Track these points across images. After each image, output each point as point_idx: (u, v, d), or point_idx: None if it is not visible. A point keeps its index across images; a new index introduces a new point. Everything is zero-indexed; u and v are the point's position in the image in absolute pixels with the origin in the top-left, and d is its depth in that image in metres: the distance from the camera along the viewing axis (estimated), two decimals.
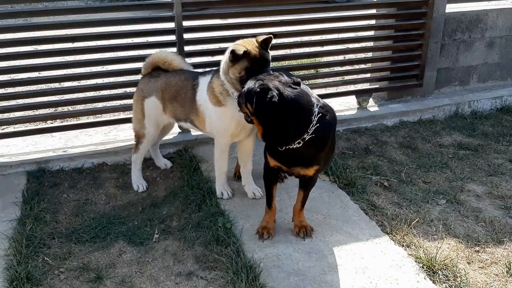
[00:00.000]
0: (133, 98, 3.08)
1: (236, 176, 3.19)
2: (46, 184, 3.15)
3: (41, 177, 3.20)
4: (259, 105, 2.24)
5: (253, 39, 2.61)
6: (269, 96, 2.20)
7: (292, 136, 2.30)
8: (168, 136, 3.53)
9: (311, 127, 2.29)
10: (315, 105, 2.32)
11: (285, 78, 2.33)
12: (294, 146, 2.33)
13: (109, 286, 2.29)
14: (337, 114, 4.01)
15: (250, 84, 2.32)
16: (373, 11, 4.31)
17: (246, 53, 2.51)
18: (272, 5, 3.93)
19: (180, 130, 3.73)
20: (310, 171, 2.48)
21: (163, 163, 3.36)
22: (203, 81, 2.82)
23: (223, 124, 2.76)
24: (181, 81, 2.91)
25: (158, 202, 2.97)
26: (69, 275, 2.36)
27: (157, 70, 3.02)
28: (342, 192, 3.05)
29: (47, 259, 2.45)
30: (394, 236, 2.62)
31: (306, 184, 2.60)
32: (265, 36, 2.57)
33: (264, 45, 2.59)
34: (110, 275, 2.36)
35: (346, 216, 2.81)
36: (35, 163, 3.30)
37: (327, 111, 2.38)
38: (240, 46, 2.52)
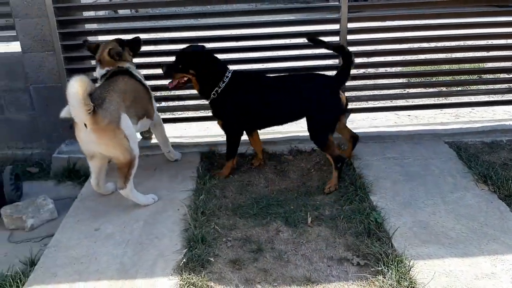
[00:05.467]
0: None
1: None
2: (215, 164, 3.59)
3: (211, 158, 3.66)
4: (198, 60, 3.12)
5: None
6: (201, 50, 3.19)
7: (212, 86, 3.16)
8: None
9: (222, 82, 3.15)
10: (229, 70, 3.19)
11: None
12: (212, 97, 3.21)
13: (268, 258, 2.57)
14: (501, 123, 3.87)
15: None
16: None
17: None
18: (436, 8, 3.88)
19: None
20: (219, 122, 3.32)
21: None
22: None
23: None
24: None
25: (311, 191, 3.19)
26: (235, 244, 2.70)
27: None
28: (502, 203, 2.93)
29: (217, 227, 2.82)
30: None
31: None
32: None
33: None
34: (269, 249, 2.64)
35: (505, 227, 2.70)
36: (207, 146, 3.78)
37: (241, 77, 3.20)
38: None
